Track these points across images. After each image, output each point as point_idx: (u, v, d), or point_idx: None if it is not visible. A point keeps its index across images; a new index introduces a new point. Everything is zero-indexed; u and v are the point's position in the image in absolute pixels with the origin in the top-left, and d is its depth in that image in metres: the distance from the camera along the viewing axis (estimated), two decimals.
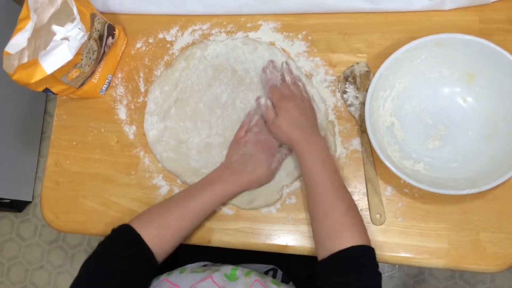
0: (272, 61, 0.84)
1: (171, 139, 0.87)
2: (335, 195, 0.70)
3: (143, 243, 0.70)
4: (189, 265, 0.82)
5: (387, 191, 0.79)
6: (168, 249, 0.75)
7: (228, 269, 0.71)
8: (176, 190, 0.86)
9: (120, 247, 0.70)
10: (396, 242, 0.77)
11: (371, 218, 0.78)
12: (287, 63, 0.84)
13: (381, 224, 0.78)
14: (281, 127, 0.76)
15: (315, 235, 0.71)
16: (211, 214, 0.82)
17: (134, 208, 0.86)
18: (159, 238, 0.72)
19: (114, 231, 0.72)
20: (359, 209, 0.79)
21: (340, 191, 0.71)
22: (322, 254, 0.67)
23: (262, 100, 0.80)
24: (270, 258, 0.91)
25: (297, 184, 0.82)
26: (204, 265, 0.83)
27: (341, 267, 0.65)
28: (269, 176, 0.80)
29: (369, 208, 0.78)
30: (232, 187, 0.78)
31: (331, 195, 0.70)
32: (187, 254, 0.92)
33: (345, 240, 0.66)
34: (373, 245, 0.76)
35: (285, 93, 0.79)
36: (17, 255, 1.92)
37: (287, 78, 0.83)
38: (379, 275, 0.65)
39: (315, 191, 0.71)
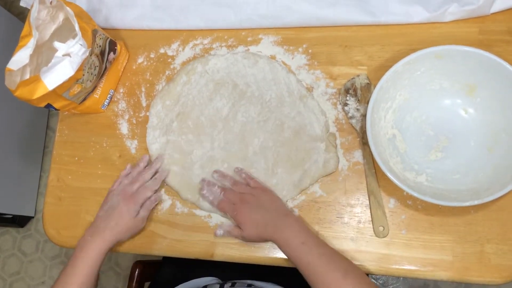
0: (204, 180, 0.84)
1: (174, 152, 0.87)
2: (327, 267, 0.68)
3: None
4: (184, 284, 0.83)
5: (390, 203, 0.79)
6: None
7: None
8: (178, 205, 0.85)
9: None
10: (400, 254, 0.76)
11: (374, 230, 0.78)
12: (216, 172, 0.84)
13: (384, 237, 0.77)
14: (252, 237, 0.77)
15: None
16: (212, 228, 0.83)
17: None
18: None
19: None
20: (363, 222, 0.79)
21: (331, 261, 0.70)
22: None
23: (219, 232, 0.81)
24: (280, 275, 0.90)
25: (301, 197, 0.82)
26: (204, 286, 0.83)
27: None
28: (136, 224, 0.81)
29: (372, 220, 0.78)
30: (102, 245, 0.76)
31: (324, 269, 0.68)
32: (197, 269, 0.92)
33: None
34: (376, 258, 0.77)
35: (234, 202, 0.79)
36: (19, 270, 1.91)
37: (225, 183, 0.83)
38: None
39: (309, 272, 0.69)
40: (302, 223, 0.75)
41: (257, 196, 0.79)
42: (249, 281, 0.86)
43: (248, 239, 0.78)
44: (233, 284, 0.82)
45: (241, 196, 0.80)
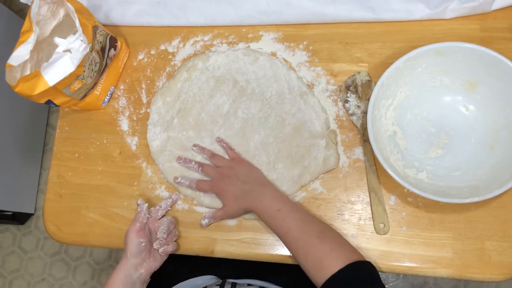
0: (180, 158, 0.85)
1: (175, 149, 0.87)
2: (304, 231, 0.70)
3: None
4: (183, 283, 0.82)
5: (390, 200, 0.79)
6: None
7: None
8: (179, 201, 0.85)
9: None
10: (400, 251, 0.76)
11: (374, 227, 0.78)
12: (195, 145, 0.85)
13: (385, 234, 0.77)
14: (233, 210, 0.79)
15: (308, 275, 0.69)
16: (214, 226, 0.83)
17: None
18: None
19: None
20: (364, 219, 0.79)
21: (307, 225, 0.71)
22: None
23: (204, 222, 0.81)
24: (280, 272, 0.90)
25: (301, 194, 0.82)
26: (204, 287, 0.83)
27: None
28: (155, 257, 0.79)
29: (372, 217, 0.78)
30: (132, 268, 0.76)
31: (300, 233, 0.70)
32: (197, 266, 0.92)
33: (331, 267, 0.64)
34: (377, 255, 0.76)
35: (212, 176, 0.81)
36: (19, 268, 1.91)
37: (204, 156, 0.85)
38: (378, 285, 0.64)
39: (288, 240, 0.71)
40: (279, 191, 0.77)
41: (234, 168, 0.80)
42: (249, 281, 0.86)
43: (231, 214, 0.80)
44: (233, 285, 0.82)
45: (219, 170, 0.81)
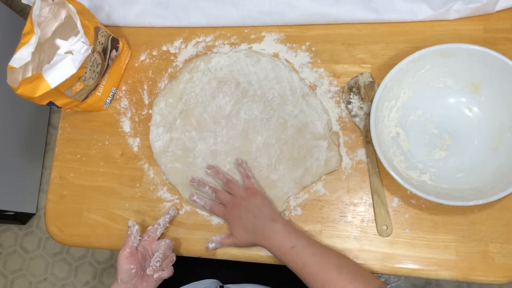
0: (194, 180, 0.83)
1: (177, 149, 0.86)
2: (321, 266, 0.69)
3: None
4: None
5: (393, 202, 0.78)
6: None
7: None
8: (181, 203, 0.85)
9: None
10: (403, 253, 0.76)
11: (377, 229, 0.77)
12: (209, 167, 0.83)
13: (388, 236, 0.77)
14: (243, 241, 0.77)
15: None
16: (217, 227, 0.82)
17: (139, 221, 0.86)
18: None
19: None
20: (367, 221, 0.78)
21: (324, 259, 0.70)
22: None
23: (211, 246, 0.80)
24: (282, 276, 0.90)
25: (304, 196, 0.81)
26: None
27: None
28: (148, 282, 0.77)
29: (375, 219, 0.78)
30: None
31: (317, 268, 0.69)
32: (198, 269, 0.92)
33: None
34: (380, 257, 0.76)
35: (225, 203, 0.80)
36: (21, 267, 1.91)
37: (218, 180, 0.83)
38: None
39: (305, 275, 0.70)
40: (290, 226, 0.75)
41: (247, 199, 0.78)
42: (248, 286, 0.86)
43: (239, 244, 0.78)
44: None
45: (232, 199, 0.80)
